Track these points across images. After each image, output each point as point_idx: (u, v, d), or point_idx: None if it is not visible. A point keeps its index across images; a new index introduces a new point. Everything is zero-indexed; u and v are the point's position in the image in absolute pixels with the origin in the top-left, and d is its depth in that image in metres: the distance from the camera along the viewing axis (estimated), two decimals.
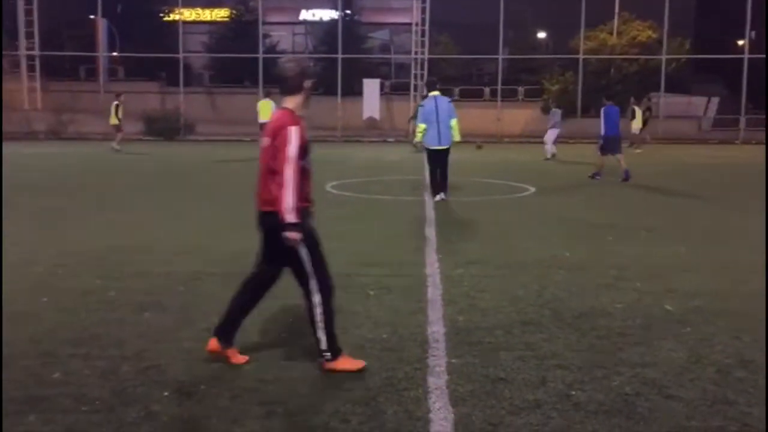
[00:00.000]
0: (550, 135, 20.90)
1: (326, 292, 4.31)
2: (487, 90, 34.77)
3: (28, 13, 31.27)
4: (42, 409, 3.65)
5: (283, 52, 38.28)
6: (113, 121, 22.23)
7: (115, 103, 22.21)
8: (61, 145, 25.37)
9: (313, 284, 4.28)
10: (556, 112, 21.18)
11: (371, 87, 31.45)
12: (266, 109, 18.10)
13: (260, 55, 31.28)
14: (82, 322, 5.13)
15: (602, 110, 15.06)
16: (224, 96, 32.63)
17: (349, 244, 8.04)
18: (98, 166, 18.20)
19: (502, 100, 32.22)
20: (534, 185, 13.80)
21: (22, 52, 31.74)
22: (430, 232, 8.83)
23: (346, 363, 4.25)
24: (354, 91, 31.55)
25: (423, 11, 32.57)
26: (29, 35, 31.63)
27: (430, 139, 11.55)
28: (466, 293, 5.94)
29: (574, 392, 3.94)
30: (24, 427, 3.46)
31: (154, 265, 6.93)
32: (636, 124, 24.18)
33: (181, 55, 31.72)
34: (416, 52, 32.80)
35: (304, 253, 4.25)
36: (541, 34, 39.26)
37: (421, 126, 11.66)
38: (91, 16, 34.36)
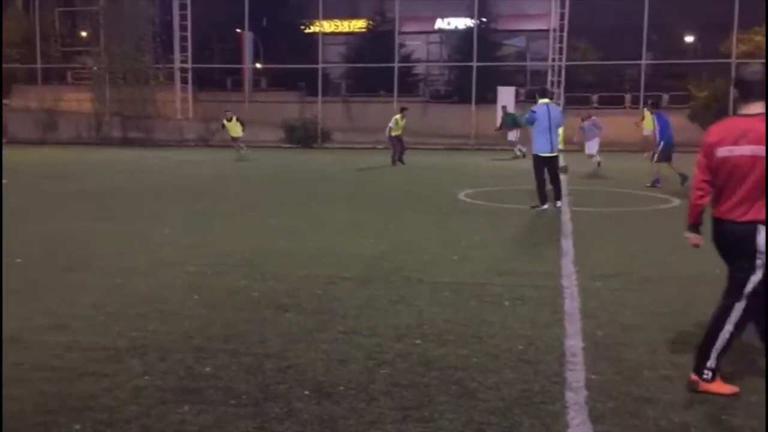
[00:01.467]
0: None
1: (747, 319, 4.03)
2: (628, 97, 33.42)
3: (183, 28, 33.48)
4: (194, 401, 3.89)
5: (417, 60, 38.76)
6: (237, 132, 23.43)
7: (234, 116, 23.52)
8: (208, 152, 26.93)
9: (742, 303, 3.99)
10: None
11: (506, 94, 31.06)
12: None
13: (396, 65, 31.80)
14: (230, 319, 5.42)
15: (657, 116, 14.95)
16: (360, 105, 33.39)
17: (482, 253, 8.01)
18: (242, 172, 19.15)
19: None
20: (680, 197, 13.12)
21: (177, 65, 34.00)
22: (566, 242, 8.61)
23: (721, 387, 3.98)
24: (488, 99, 31.32)
25: (562, 17, 31.82)
26: (183, 49, 33.86)
27: (541, 146, 11.55)
28: (605, 307, 5.74)
29: (725, 417, 3.71)
30: (179, 416, 3.70)
31: (294, 267, 7.21)
32: None
33: (320, 66, 32.80)
34: (553, 59, 32.11)
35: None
36: (689, 38, 37.23)
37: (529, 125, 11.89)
38: (238, 30, 36.35)
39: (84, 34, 37.27)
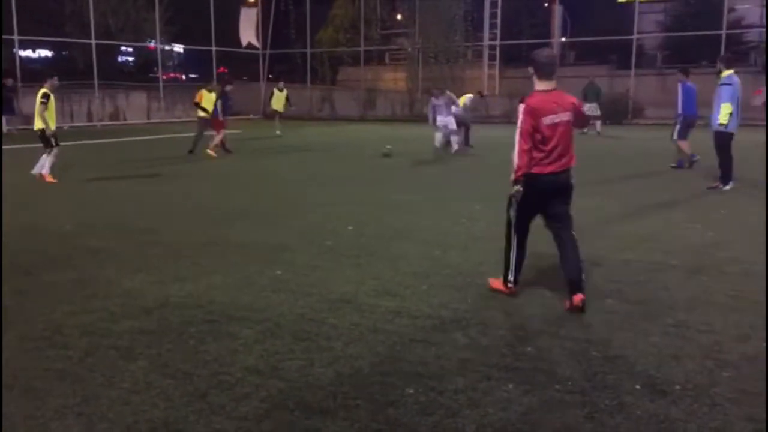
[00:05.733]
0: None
1: None
2: None
3: (493, 5, 33.87)
4: (519, 380, 3.85)
5: (750, 26, 34.56)
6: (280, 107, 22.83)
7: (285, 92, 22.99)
8: (511, 129, 26.98)
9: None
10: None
11: None
12: None
13: (723, 32, 28.70)
14: (547, 300, 5.29)
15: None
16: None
17: None
18: None
19: None
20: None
21: (485, 42, 34.58)
22: None
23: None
24: None
25: None
26: (492, 26, 34.28)
27: (735, 123, 10.42)
28: None
29: None
30: (505, 394, 3.68)
31: (612, 251, 6.84)
32: None
33: (634, 36, 30.90)
34: None
35: None
36: None
37: (729, 107, 10.24)
38: (546, 4, 35.72)
39: (399, 17, 39.61)
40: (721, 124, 10.42)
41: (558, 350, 4.28)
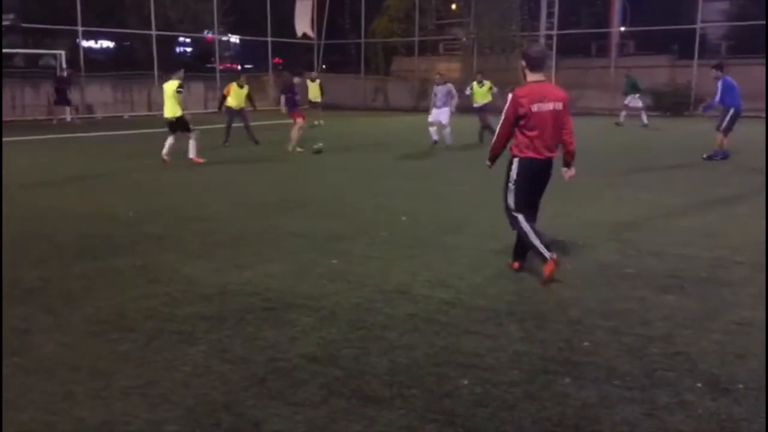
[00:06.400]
0: None
1: None
2: None
3: None
4: (576, 375, 3.81)
5: None
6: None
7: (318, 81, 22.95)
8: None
9: None
10: None
11: None
12: None
13: None
14: (604, 295, 5.22)
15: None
16: (742, 68, 29.82)
17: None
18: (609, 140, 18.48)
19: None
20: None
21: (542, 32, 34.06)
22: None
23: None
24: None
25: None
26: (550, 15, 33.73)
27: None
28: None
29: None
30: (561, 388, 3.65)
31: (673, 245, 6.69)
32: None
33: (698, 26, 30.01)
34: None
35: None
36: None
37: None
38: None
39: (454, 6, 39.31)
40: None
41: (615, 345, 4.22)
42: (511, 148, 5.67)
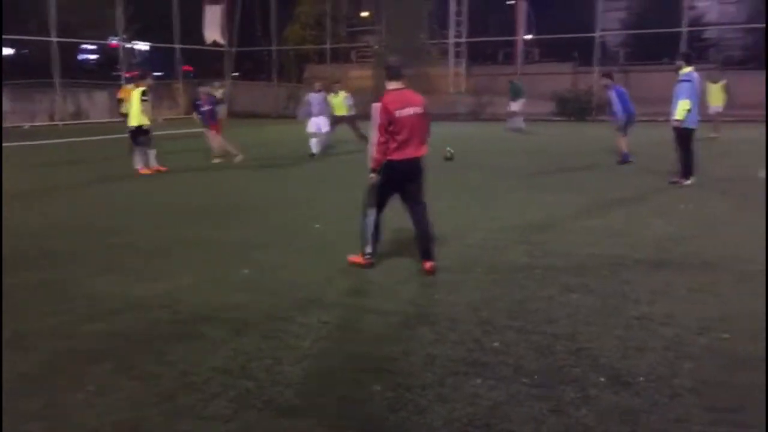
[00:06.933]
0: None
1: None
2: None
3: (459, 3, 34.01)
4: (486, 375, 3.89)
5: (708, 24, 35.26)
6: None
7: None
8: (478, 126, 27.18)
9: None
10: None
11: None
12: None
13: (683, 29, 29.24)
14: (514, 295, 5.36)
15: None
16: (639, 74, 31.29)
17: None
18: (516, 145, 19.00)
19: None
20: None
21: (451, 40, 34.71)
22: None
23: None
24: None
25: None
26: (458, 24, 34.42)
27: (694, 118, 10.57)
28: None
29: None
30: (472, 389, 3.72)
31: (578, 246, 6.94)
32: None
33: (597, 34, 31.31)
34: None
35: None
36: None
37: (687, 104, 10.36)
38: (511, 2, 35.97)
39: (366, 14, 39.59)
40: (677, 120, 10.64)
41: (524, 344, 4.34)
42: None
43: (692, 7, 32.44)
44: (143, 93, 12.62)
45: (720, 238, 7.18)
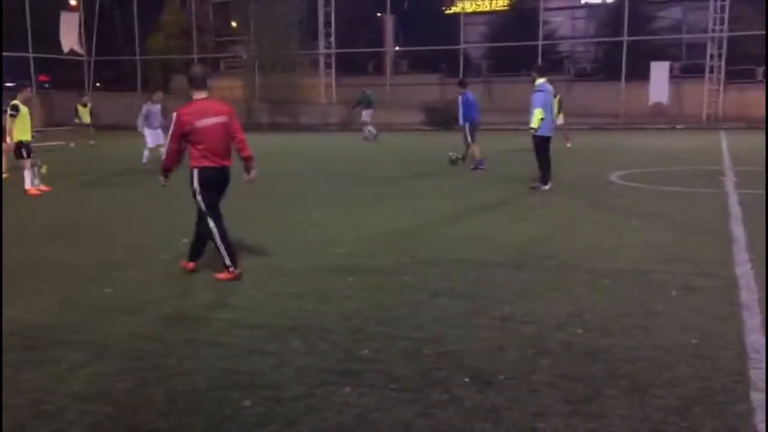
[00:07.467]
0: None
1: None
2: None
3: (327, 15, 34.24)
4: (355, 383, 3.91)
5: (562, 38, 37.40)
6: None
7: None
8: (348, 136, 27.42)
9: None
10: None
11: (659, 70, 29.30)
12: None
13: (539, 42, 30.89)
14: (384, 302, 5.43)
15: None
16: (502, 85, 32.73)
17: (642, 239, 7.59)
18: (381, 155, 19.31)
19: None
20: None
21: (321, 51, 34.87)
22: (737, 228, 7.96)
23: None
24: (638, 75, 29.71)
25: None
26: (327, 35, 34.65)
27: (547, 127, 11.35)
28: None
29: None
30: (342, 398, 3.73)
31: (444, 251, 7.13)
32: None
33: (461, 47, 32.48)
34: (713, 30, 29.86)
35: None
36: None
37: (540, 113, 11.15)
38: (379, 14, 36.61)
39: (234, 24, 39.02)
40: (531, 128, 11.23)
41: (393, 350, 4.40)
42: (190, 162, 6.10)
43: (547, 22, 34.34)
44: (12, 107, 11.61)
45: (573, 239, 7.62)
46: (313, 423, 3.45)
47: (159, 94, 16.28)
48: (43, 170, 12.95)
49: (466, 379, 3.93)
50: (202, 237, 6.29)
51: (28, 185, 11.89)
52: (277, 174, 14.51)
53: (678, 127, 27.87)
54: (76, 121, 22.95)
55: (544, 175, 11.41)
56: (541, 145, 11.35)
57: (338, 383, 3.91)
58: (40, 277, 6.31)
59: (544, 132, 11.21)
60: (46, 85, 36.28)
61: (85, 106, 22.98)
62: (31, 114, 12.09)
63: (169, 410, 3.60)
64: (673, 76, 29.93)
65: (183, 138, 5.98)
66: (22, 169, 12.03)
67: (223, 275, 6.09)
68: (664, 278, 5.92)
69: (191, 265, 6.37)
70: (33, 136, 12.42)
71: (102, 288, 5.87)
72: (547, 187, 11.30)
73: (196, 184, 6.06)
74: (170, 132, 6.03)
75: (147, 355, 4.36)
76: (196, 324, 4.95)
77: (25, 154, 11.83)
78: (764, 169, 11.55)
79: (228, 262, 6.08)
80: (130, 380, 3.98)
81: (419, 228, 8.46)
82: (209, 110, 6.06)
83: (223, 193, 6.27)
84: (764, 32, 30.49)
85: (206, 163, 6.00)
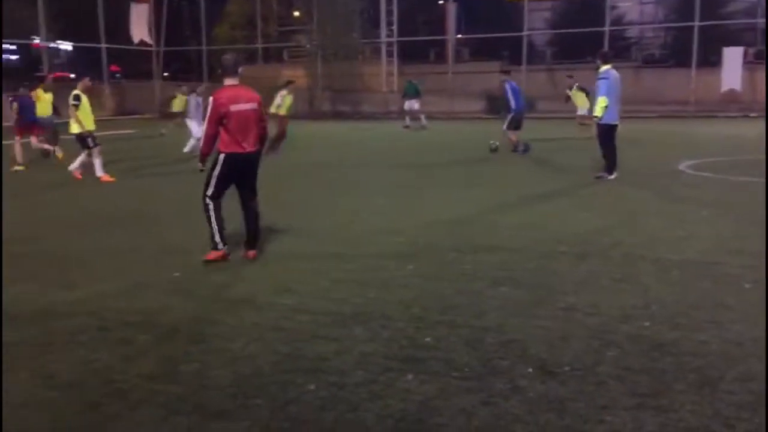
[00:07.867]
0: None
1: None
2: None
3: (389, 3, 34.19)
4: (417, 370, 3.91)
5: (630, 23, 36.43)
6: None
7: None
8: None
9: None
10: None
11: (732, 56, 28.24)
12: None
13: (606, 28, 30.15)
14: (444, 291, 5.41)
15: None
16: (566, 72, 32.10)
17: (712, 229, 7.36)
18: (441, 142, 19.20)
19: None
20: None
21: (383, 39, 34.87)
22: None
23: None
24: (710, 61, 28.73)
25: None
26: (389, 23, 34.62)
27: (613, 115, 10.89)
28: None
29: None
30: (404, 385, 3.74)
31: (505, 240, 7.06)
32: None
33: (524, 33, 31.98)
34: None
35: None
36: None
37: (605, 101, 10.72)
38: (441, 1, 36.41)
39: (297, 13, 39.36)
40: (595, 117, 10.97)
41: (454, 339, 4.38)
42: (218, 145, 6.28)
43: (614, 7, 33.48)
44: (74, 97, 11.77)
45: (640, 230, 7.43)
46: (376, 409, 3.47)
47: (202, 87, 16.57)
48: (59, 155, 13.40)
49: (530, 369, 3.89)
50: (251, 226, 6.54)
51: (99, 173, 12.20)
52: (342, 163, 14.63)
53: (751, 114, 26.83)
54: (174, 110, 22.96)
55: (610, 164, 11.15)
56: (606, 133, 11.08)
57: (401, 370, 3.93)
58: (110, 262, 6.52)
59: (609, 120, 10.93)
60: (117, 75, 37.37)
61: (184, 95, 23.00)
62: (91, 104, 12.28)
63: (235, 392, 3.68)
64: (746, 62, 28.79)
65: (219, 122, 6.14)
66: (83, 158, 12.27)
67: (210, 255, 6.33)
68: (735, 270, 5.72)
69: (252, 253, 6.51)
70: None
71: (170, 272, 6.03)
72: (612, 176, 11.05)
73: (218, 168, 6.26)
74: (208, 116, 6.17)
75: (212, 338, 4.46)
76: (260, 309, 5.03)
77: (91, 143, 12.08)
78: None
79: (219, 244, 6.34)
80: (196, 362, 4.08)
81: (476, 216, 8.39)
82: (241, 96, 6.26)
83: (253, 176, 6.49)
84: None
85: (234, 149, 6.20)
